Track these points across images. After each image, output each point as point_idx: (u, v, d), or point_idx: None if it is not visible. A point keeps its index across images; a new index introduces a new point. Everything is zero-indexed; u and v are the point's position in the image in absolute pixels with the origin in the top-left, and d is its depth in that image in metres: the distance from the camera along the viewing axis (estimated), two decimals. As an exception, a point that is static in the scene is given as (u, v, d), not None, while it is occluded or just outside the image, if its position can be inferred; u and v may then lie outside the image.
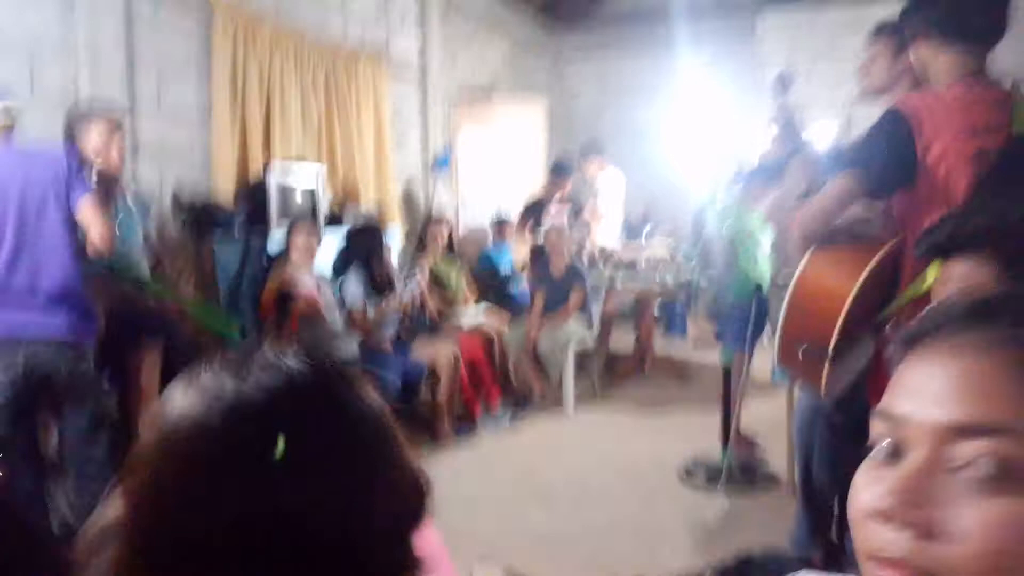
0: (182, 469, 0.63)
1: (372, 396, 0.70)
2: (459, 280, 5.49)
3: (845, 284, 1.77)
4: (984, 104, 1.81)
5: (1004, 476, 0.49)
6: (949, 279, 1.34)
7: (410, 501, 0.69)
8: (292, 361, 0.68)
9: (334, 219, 4.72)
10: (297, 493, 0.62)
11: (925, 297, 1.46)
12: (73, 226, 2.57)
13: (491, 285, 5.94)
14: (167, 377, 3.05)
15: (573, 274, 5.16)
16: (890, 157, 1.80)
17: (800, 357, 1.81)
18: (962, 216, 1.39)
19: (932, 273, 1.42)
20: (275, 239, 4.18)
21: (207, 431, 0.63)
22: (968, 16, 1.85)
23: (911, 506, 0.51)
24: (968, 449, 0.50)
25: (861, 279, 1.75)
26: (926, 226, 1.55)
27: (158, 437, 0.64)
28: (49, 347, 2.49)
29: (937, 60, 1.90)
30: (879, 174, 1.83)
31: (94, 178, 2.68)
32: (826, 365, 1.76)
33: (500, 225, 6.12)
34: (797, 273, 1.87)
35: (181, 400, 0.65)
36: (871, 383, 1.99)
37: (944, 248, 1.37)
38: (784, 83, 3.07)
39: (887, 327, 1.83)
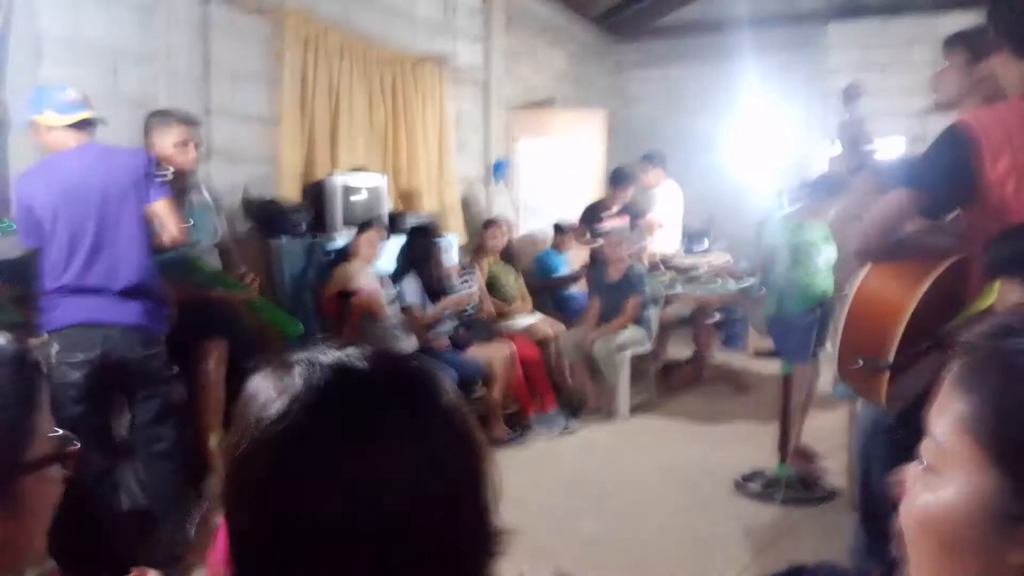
0: (281, 460, 0.65)
1: (449, 389, 0.73)
2: (515, 284, 5.53)
3: (904, 297, 1.73)
4: None
5: None
6: (1008, 298, 1.31)
7: (485, 486, 0.72)
8: (372, 355, 0.71)
9: (394, 223, 4.81)
10: (389, 479, 0.65)
11: (989, 312, 1.43)
12: (147, 223, 2.70)
13: (547, 289, 5.97)
14: (232, 369, 3.16)
15: (630, 280, 5.13)
16: (947, 177, 1.75)
17: (857, 370, 1.78)
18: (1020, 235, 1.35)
19: (995, 290, 1.38)
20: (339, 239, 4.29)
21: (297, 422, 0.66)
22: None
23: None
24: None
25: (920, 292, 1.71)
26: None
27: (254, 428, 0.67)
28: (125, 333, 2.62)
29: (1009, 72, 1.85)
30: (935, 194, 1.78)
31: (168, 178, 2.80)
32: (884, 379, 1.73)
33: (559, 231, 6.14)
34: (855, 286, 1.84)
35: (273, 393, 0.68)
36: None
37: (1002, 267, 1.33)
38: (852, 95, 3.01)
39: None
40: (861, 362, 1.74)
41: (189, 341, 3.05)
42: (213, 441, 2.98)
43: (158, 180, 2.72)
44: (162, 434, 2.72)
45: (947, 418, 0.62)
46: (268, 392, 0.68)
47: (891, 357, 1.69)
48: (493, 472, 0.73)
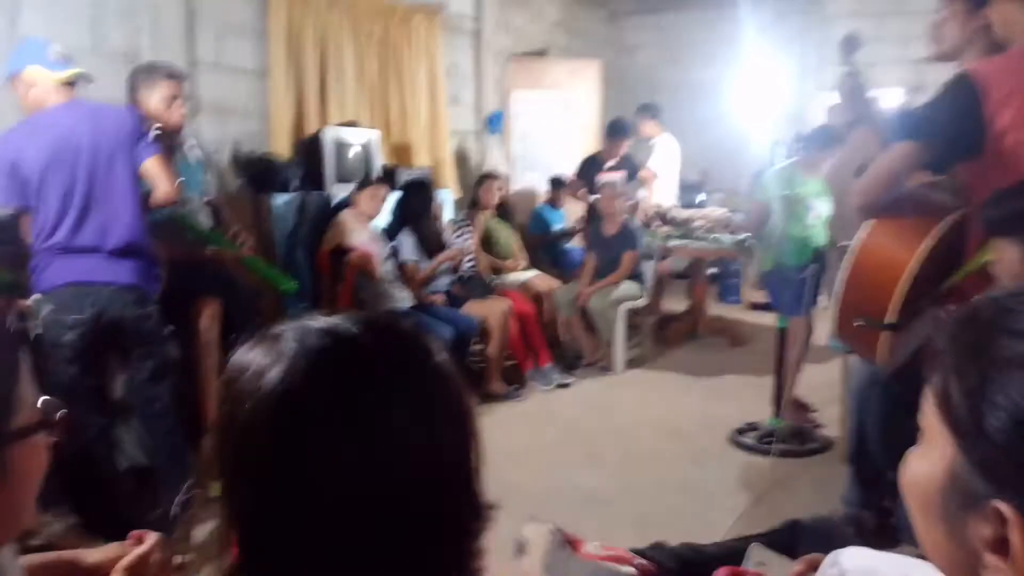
0: (274, 428, 0.65)
1: (440, 351, 0.72)
2: (511, 240, 5.51)
3: (905, 255, 1.71)
4: None
5: None
6: (1002, 258, 1.29)
7: (476, 451, 0.71)
8: (364, 320, 0.71)
9: (388, 177, 4.76)
10: (388, 442, 0.64)
11: (986, 270, 1.42)
12: (138, 180, 2.66)
13: (543, 244, 5.95)
14: (227, 327, 3.14)
15: (626, 235, 5.11)
16: (955, 127, 1.71)
17: (858, 328, 1.77)
18: (1017, 194, 1.32)
19: (991, 249, 1.36)
20: (333, 195, 4.24)
21: (295, 390, 0.65)
22: None
23: None
24: None
25: (924, 251, 1.69)
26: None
27: (250, 400, 0.66)
28: (117, 293, 2.59)
29: (1013, 17, 1.80)
30: (942, 145, 1.75)
31: (156, 135, 2.75)
32: (882, 337, 1.71)
33: (555, 185, 6.09)
34: (855, 243, 1.81)
35: (267, 361, 0.67)
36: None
37: (997, 226, 1.31)
38: (852, 45, 2.94)
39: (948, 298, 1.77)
40: (862, 322, 1.72)
41: (183, 300, 3.02)
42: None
43: (148, 138, 2.67)
44: (158, 393, 2.72)
45: (928, 388, 0.64)
46: (260, 361, 0.67)
47: (894, 317, 1.68)
48: (480, 434, 0.72)
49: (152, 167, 2.66)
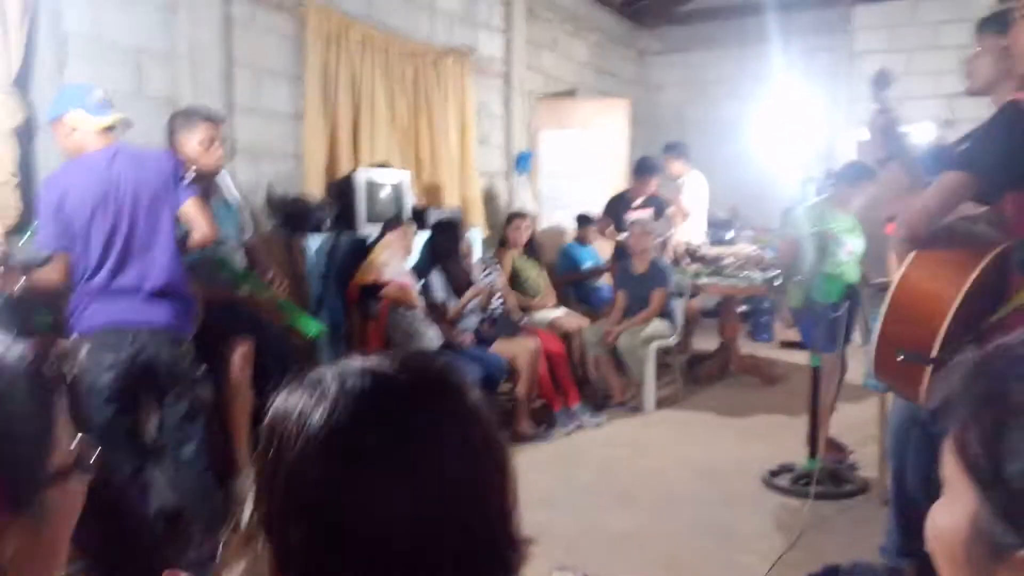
0: (321, 468, 0.66)
1: (475, 391, 0.74)
2: (539, 278, 5.51)
3: (949, 289, 1.67)
4: None
5: None
6: None
7: (512, 489, 0.73)
8: (401, 360, 0.73)
9: (418, 217, 4.81)
10: (423, 483, 0.66)
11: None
12: (175, 223, 2.72)
13: (571, 282, 5.94)
14: (258, 369, 3.17)
15: (656, 272, 5.09)
16: (1006, 155, 1.69)
17: (899, 364, 1.72)
18: None
19: None
20: (365, 234, 4.29)
21: (340, 431, 0.67)
22: None
23: None
24: None
25: (967, 284, 1.65)
26: None
27: (296, 441, 0.68)
28: (154, 334, 2.63)
29: None
30: (992, 174, 1.72)
31: (193, 178, 2.81)
32: (926, 373, 1.67)
33: (583, 223, 6.10)
34: (898, 276, 1.77)
35: (311, 404, 0.68)
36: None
37: None
38: (883, 81, 2.93)
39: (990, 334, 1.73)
40: (902, 356, 1.69)
41: (216, 341, 3.06)
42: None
43: (185, 180, 2.73)
44: (191, 434, 2.74)
45: (948, 438, 0.63)
46: (304, 405, 0.69)
47: (935, 351, 1.64)
48: (515, 472, 0.74)
49: (191, 209, 2.72)
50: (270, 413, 0.72)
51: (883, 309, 1.77)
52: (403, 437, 0.67)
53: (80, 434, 0.76)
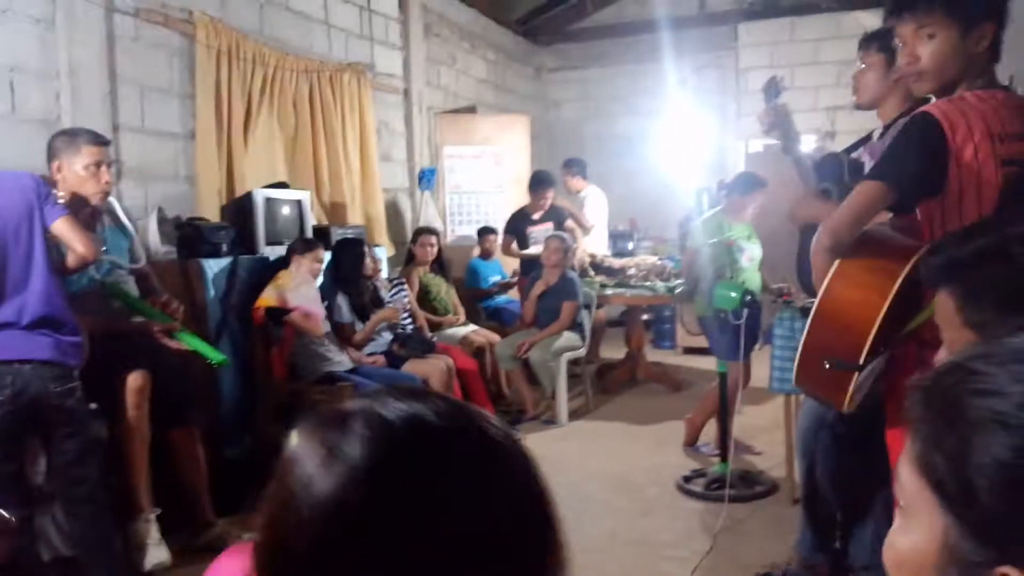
0: (318, 549, 0.55)
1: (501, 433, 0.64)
2: (448, 295, 5.46)
3: (876, 296, 1.70)
4: (1008, 109, 1.75)
5: None
6: (942, 311, 1.29)
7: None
8: (451, 415, 0.60)
9: (321, 236, 4.68)
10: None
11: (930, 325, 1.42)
12: (50, 247, 2.51)
13: (479, 297, 5.92)
14: (157, 403, 2.99)
15: (566, 285, 5.12)
16: (922, 164, 1.73)
17: (824, 372, 1.74)
18: (960, 241, 1.33)
19: (934, 303, 1.38)
20: (266, 254, 4.13)
21: (361, 514, 0.55)
22: None
23: None
24: None
25: (893, 290, 1.69)
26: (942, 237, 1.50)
27: (297, 505, 0.56)
28: (36, 369, 2.42)
29: (949, 51, 1.85)
30: (911, 183, 1.76)
31: (63, 198, 2.62)
32: (852, 380, 1.70)
33: (481, 234, 6.10)
34: (823, 286, 1.79)
35: (319, 464, 0.57)
36: (888, 395, 1.94)
37: (935, 278, 1.31)
38: (774, 89, 3.03)
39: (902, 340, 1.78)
40: (829, 364, 1.72)
41: (108, 375, 2.86)
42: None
43: (51, 200, 2.52)
44: (84, 475, 2.54)
45: (906, 460, 0.62)
46: (313, 460, 0.57)
47: (863, 358, 1.68)
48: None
49: (62, 228, 2.50)
50: (285, 453, 0.60)
51: (809, 319, 1.80)
52: (436, 524, 0.54)
53: None
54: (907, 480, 0.62)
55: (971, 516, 0.56)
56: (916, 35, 1.80)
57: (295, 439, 0.60)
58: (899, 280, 1.68)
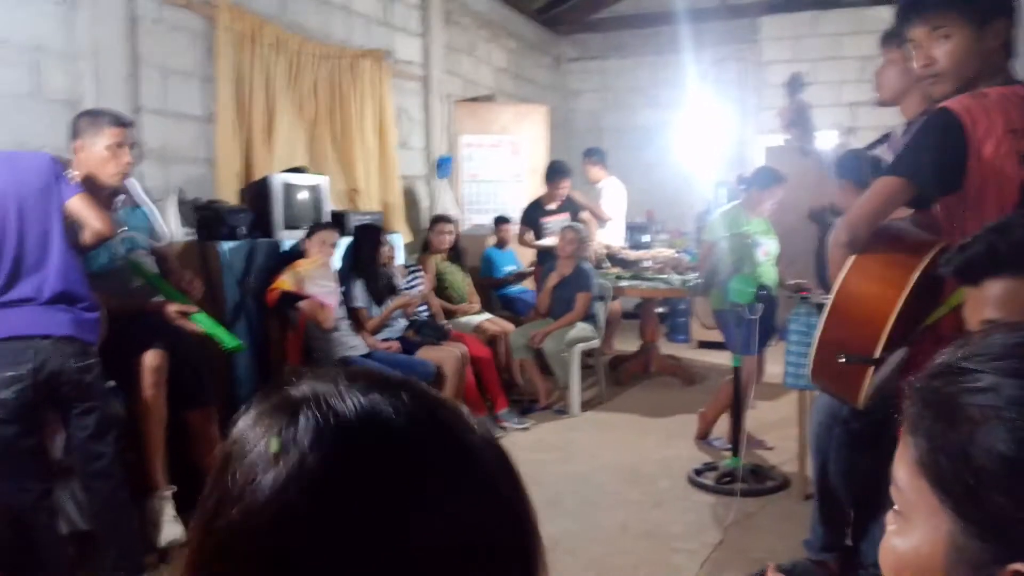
0: (259, 546, 0.50)
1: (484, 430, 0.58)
2: (464, 283, 5.47)
3: (891, 289, 1.68)
4: None
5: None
6: (985, 300, 1.25)
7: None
8: (410, 403, 0.54)
9: (338, 221, 4.69)
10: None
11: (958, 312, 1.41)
12: (68, 225, 2.54)
13: (494, 286, 5.93)
14: (174, 383, 3.02)
15: (580, 276, 5.12)
16: (942, 160, 1.72)
17: (839, 367, 1.73)
18: (1000, 232, 1.30)
19: (960, 294, 1.36)
20: (283, 239, 4.16)
21: (305, 512, 0.49)
22: None
23: None
24: None
25: (909, 284, 1.67)
26: (969, 231, 1.48)
27: (240, 495, 0.51)
28: (56, 345, 2.46)
29: (965, 49, 1.84)
30: (930, 179, 1.74)
31: (75, 178, 2.65)
32: (867, 374, 1.69)
33: (501, 226, 6.10)
34: (838, 281, 1.78)
35: (264, 452, 0.51)
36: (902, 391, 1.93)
37: (959, 271, 1.28)
38: (797, 84, 3.03)
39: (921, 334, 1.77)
40: (845, 358, 1.71)
41: (126, 353, 2.89)
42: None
43: (66, 178, 2.56)
44: (101, 451, 2.57)
45: (904, 462, 0.62)
46: (258, 447, 0.51)
47: (878, 352, 1.67)
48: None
49: (77, 205, 2.53)
50: (228, 439, 0.54)
51: (824, 314, 1.79)
52: (390, 522, 0.49)
53: None
54: (905, 483, 0.62)
55: (978, 515, 0.56)
56: (930, 37, 1.79)
57: (243, 419, 0.55)
58: (916, 274, 1.67)
